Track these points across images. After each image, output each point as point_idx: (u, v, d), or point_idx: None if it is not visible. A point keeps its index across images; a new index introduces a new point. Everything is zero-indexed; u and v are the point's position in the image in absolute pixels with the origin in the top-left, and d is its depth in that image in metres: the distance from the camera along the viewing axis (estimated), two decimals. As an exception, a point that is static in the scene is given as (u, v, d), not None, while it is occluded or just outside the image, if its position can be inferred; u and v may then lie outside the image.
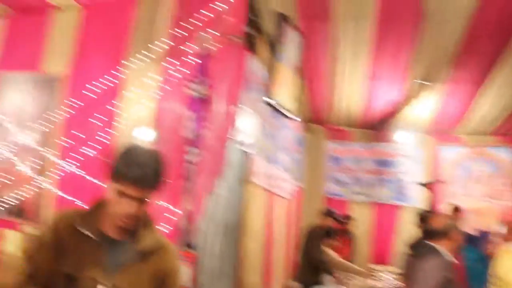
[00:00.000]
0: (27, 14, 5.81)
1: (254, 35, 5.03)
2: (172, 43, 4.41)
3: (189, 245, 4.00)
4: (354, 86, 6.67)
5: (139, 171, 1.66)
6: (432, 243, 3.03)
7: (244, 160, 4.90)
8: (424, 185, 6.02)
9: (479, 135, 8.08)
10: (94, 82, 4.87)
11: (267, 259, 6.02)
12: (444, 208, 7.17)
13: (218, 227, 4.44)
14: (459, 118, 7.44)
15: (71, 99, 5.03)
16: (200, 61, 3.82)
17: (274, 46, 4.55)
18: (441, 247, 2.97)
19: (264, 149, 5.45)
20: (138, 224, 1.80)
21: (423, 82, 6.31)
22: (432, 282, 2.77)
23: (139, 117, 4.43)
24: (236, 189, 4.81)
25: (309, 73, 6.40)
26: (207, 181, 4.26)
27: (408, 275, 3.00)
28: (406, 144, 8.37)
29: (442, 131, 8.11)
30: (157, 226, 1.96)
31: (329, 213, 6.35)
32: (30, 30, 5.82)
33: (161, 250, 1.85)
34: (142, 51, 4.63)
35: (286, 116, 5.06)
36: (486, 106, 6.83)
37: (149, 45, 4.66)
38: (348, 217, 7.17)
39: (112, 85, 4.76)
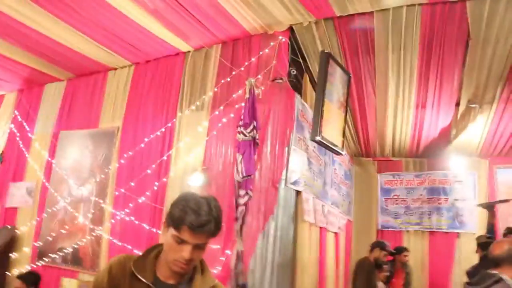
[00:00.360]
0: (86, 76, 6.29)
1: (299, 75, 5.12)
2: (219, 91, 4.55)
3: (241, 286, 4.01)
4: (402, 116, 6.59)
5: (198, 218, 1.70)
6: (495, 271, 2.85)
7: (294, 199, 4.92)
8: (487, 206, 5.79)
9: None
10: (145, 134, 5.12)
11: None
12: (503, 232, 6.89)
13: (270, 266, 4.43)
14: (512, 138, 7.20)
15: (126, 151, 5.29)
16: (249, 105, 3.90)
17: (319, 84, 4.59)
18: (505, 275, 2.79)
19: (313, 186, 5.45)
20: (194, 269, 1.83)
21: (472, 105, 6.18)
22: None
23: (190, 164, 4.56)
24: (288, 228, 4.81)
25: (356, 107, 6.40)
26: (259, 222, 4.30)
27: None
28: (460, 170, 8.14)
29: (496, 153, 7.85)
30: (209, 268, 1.98)
31: (377, 245, 6.26)
32: (87, 91, 6.29)
33: None
34: (193, 101, 4.83)
35: (334, 152, 5.05)
36: None
37: (199, 95, 4.86)
38: (402, 249, 6.98)
39: (163, 133, 4.95)
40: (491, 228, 4.63)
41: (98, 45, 5.55)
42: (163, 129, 5.17)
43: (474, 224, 7.83)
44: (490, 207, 4.78)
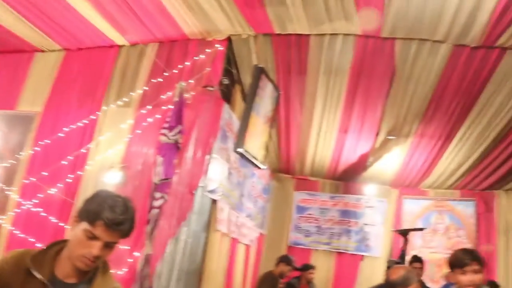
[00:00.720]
0: (9, 53, 5.91)
1: (231, 85, 5.16)
2: (148, 90, 4.48)
3: (146, 290, 3.93)
4: (325, 138, 6.81)
5: (115, 215, 1.66)
6: None
7: (210, 207, 4.92)
8: (403, 233, 6.03)
9: (442, 189, 8.33)
10: (66, 124, 4.90)
11: (225, 307, 5.95)
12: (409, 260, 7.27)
13: (177, 272, 4.39)
14: (423, 172, 7.64)
15: (43, 138, 5.03)
16: (176, 109, 3.86)
17: (249, 97, 4.66)
18: None
19: (230, 197, 5.49)
20: (95, 269, 1.76)
21: (390, 137, 6.51)
22: None
23: (109, 160, 4.43)
24: (199, 235, 4.79)
25: (282, 124, 6.53)
26: (171, 226, 4.25)
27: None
28: (372, 196, 8.54)
29: (406, 183, 8.33)
30: (114, 270, 1.91)
31: (283, 260, 6.30)
32: (8, 69, 5.91)
33: None
34: (120, 97, 4.71)
35: (255, 165, 5.12)
36: (448, 161, 7.05)
37: (128, 91, 4.75)
38: (308, 266, 7.17)
39: (84, 125, 4.77)
40: (403, 254, 4.96)
41: (29, 24, 5.25)
42: (85, 121, 4.98)
43: (379, 248, 8.25)
44: (405, 233, 5.09)
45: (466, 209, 8.23)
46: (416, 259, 5.79)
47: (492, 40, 4.53)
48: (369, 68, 5.28)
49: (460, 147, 6.57)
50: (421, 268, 5.51)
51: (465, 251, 2.73)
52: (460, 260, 2.54)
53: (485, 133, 6.04)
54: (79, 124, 4.89)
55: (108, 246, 1.70)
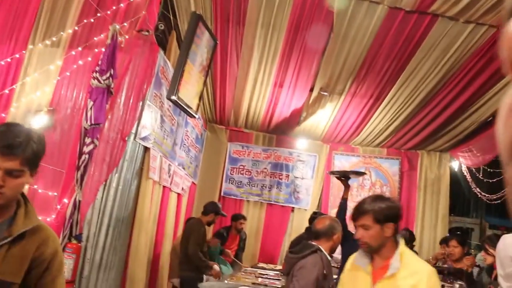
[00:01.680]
0: None
1: (167, 31, 5.03)
2: (79, 31, 4.27)
3: (75, 236, 3.89)
4: (260, 91, 6.85)
5: (7, 139, 1.59)
6: (314, 243, 3.17)
7: (142, 155, 4.87)
8: (341, 175, 5.62)
9: (370, 147, 8.73)
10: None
11: (156, 254, 6.02)
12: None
13: (108, 219, 4.36)
14: (354, 130, 7.95)
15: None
16: (108, 52, 3.72)
17: (185, 44, 4.56)
18: (322, 247, 3.12)
19: (163, 145, 5.45)
20: (17, 208, 1.70)
21: (324, 93, 6.66)
22: (311, 277, 2.91)
23: (35, 102, 4.23)
24: (131, 183, 4.76)
25: (218, 74, 6.49)
26: (101, 173, 4.19)
27: (289, 271, 3.13)
28: (303, 150, 8.78)
29: (337, 140, 8.63)
30: (43, 216, 1.86)
31: (213, 209, 6.20)
32: None
33: (38, 234, 1.74)
34: (48, 36, 4.44)
35: (188, 114, 5.09)
36: (378, 120, 7.37)
37: (57, 30, 4.49)
38: (239, 216, 7.33)
39: (8, 64, 4.49)
40: (344, 203, 4.45)
41: None
42: (8, 59, 4.67)
43: (308, 201, 8.58)
44: (344, 176, 4.76)
45: (392, 167, 8.70)
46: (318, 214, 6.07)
47: (425, 6, 4.69)
48: (307, 24, 5.31)
49: (389, 108, 6.87)
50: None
51: (356, 205, 2.49)
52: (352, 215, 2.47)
53: (412, 96, 6.35)
54: (1, 62, 4.59)
55: (10, 174, 1.61)
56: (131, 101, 4.17)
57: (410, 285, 2.02)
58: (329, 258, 3.10)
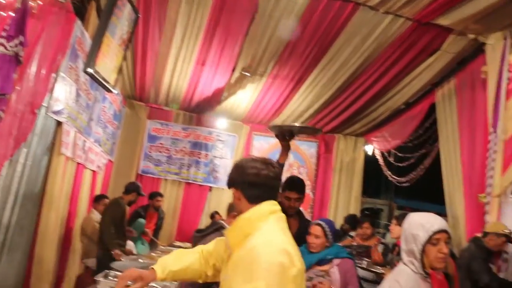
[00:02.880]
0: None
1: (86, 0, 4.75)
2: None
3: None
4: (182, 68, 6.71)
5: None
6: (221, 220, 3.20)
7: (54, 129, 4.61)
8: (281, 131, 5.25)
9: (291, 128, 8.87)
10: None
11: (67, 234, 5.77)
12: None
13: (13, 196, 4.10)
14: (274, 111, 8.04)
15: None
16: (18, 17, 3.43)
17: (104, 15, 4.33)
18: (227, 223, 3.11)
19: (77, 120, 5.19)
20: None
21: (246, 73, 6.65)
22: None
23: None
24: (41, 158, 4.49)
25: (139, 49, 6.25)
26: (7, 147, 3.90)
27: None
28: (223, 130, 8.78)
29: (257, 121, 8.70)
30: None
31: (135, 189, 6.27)
32: None
33: None
34: None
35: (106, 89, 4.87)
36: (298, 103, 7.50)
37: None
38: (156, 194, 7.24)
39: None
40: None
41: None
42: None
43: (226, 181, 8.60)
44: (286, 134, 3.70)
45: (309, 149, 8.96)
46: None
47: (348, -7, 4.80)
48: (231, 3, 5.24)
49: (309, 91, 7.01)
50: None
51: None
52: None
53: (332, 80, 6.52)
54: None
55: None
56: (42, 72, 3.89)
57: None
58: None
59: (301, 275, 1.74)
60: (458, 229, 5.28)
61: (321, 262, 3.26)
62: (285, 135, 3.70)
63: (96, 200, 6.52)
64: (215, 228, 3.10)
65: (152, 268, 2.13)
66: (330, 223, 3.41)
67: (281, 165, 3.56)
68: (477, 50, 5.39)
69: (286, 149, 3.73)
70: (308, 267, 3.08)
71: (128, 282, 2.02)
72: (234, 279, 1.75)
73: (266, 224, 1.84)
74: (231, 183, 1.99)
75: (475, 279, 4.21)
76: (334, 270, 3.20)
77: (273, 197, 1.96)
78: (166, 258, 2.18)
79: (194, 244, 3.17)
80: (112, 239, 5.69)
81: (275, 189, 1.98)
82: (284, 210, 2.02)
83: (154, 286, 2.74)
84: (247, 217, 1.88)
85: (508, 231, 4.41)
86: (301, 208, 3.73)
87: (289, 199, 3.48)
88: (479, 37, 5.11)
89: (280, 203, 2.01)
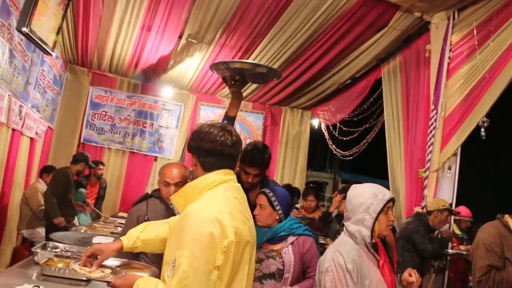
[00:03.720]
0: None
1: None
2: None
3: None
4: (126, 34, 6.43)
5: None
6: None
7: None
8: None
9: (236, 100, 8.82)
10: None
11: (3, 204, 5.52)
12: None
13: None
14: (221, 81, 7.86)
15: None
16: None
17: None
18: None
19: (12, 83, 4.90)
20: None
21: (193, 40, 6.47)
22: (130, 221, 2.91)
23: None
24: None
25: (81, 11, 5.94)
26: None
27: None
28: (169, 99, 8.61)
29: (204, 91, 8.56)
30: None
31: (84, 159, 6.26)
32: None
33: None
34: None
35: (44, 50, 4.61)
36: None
37: None
38: (97, 162, 7.05)
39: None
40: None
41: None
42: None
43: (172, 150, 8.52)
44: (240, 76, 3.18)
45: (256, 121, 8.96)
46: None
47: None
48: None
49: (257, 62, 6.90)
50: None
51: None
52: None
53: (280, 52, 6.47)
54: None
55: None
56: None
57: None
58: (165, 203, 2.94)
59: (238, 247, 1.69)
60: (398, 203, 5.45)
61: (273, 240, 2.80)
62: (234, 77, 3.19)
63: (46, 170, 6.38)
64: (143, 197, 3.05)
65: (119, 238, 2.15)
66: (278, 191, 2.87)
67: (231, 119, 3.20)
68: (422, 29, 5.50)
69: (236, 97, 3.25)
70: (259, 246, 2.75)
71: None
72: (169, 245, 1.74)
73: (210, 193, 1.80)
74: (189, 149, 1.93)
75: (419, 250, 4.38)
76: (287, 249, 2.74)
77: (230, 166, 1.90)
78: (133, 229, 2.22)
79: None
80: (54, 208, 5.61)
81: (231, 158, 1.91)
82: (239, 182, 1.97)
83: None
84: (195, 184, 1.84)
85: (449, 204, 4.62)
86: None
87: (247, 173, 2.97)
88: (425, 15, 5.19)
89: (236, 175, 1.96)
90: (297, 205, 6.39)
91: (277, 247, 2.77)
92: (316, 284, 2.27)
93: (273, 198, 2.79)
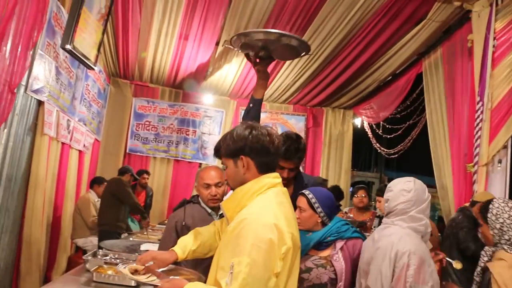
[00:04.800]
0: None
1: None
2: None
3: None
4: (165, 44, 6.57)
5: None
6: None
7: (35, 109, 4.51)
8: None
9: (277, 103, 8.84)
10: None
11: (56, 215, 5.73)
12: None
13: (-2, 179, 4.03)
14: (260, 85, 7.89)
15: None
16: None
17: (80, -11, 4.20)
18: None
19: (59, 99, 5.09)
20: None
21: (231, 47, 6.49)
22: (168, 226, 2.91)
23: None
24: (24, 139, 4.42)
25: (120, 24, 6.11)
26: (-12, 128, 3.83)
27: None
28: (210, 106, 8.71)
29: (244, 96, 8.60)
30: None
31: (129, 171, 6.57)
32: None
33: None
34: None
35: (86, 65, 4.76)
36: (284, 77, 7.40)
37: None
38: (142, 171, 7.22)
39: None
40: (254, 108, 2.94)
41: None
42: None
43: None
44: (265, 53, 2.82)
45: (298, 123, 8.92)
46: None
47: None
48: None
49: (295, 64, 6.90)
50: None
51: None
52: None
53: (318, 52, 6.41)
54: None
55: None
56: (19, 49, 3.78)
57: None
58: (204, 208, 2.89)
59: (293, 253, 1.66)
60: (447, 199, 5.30)
61: (320, 246, 2.56)
62: (258, 53, 2.82)
63: (96, 182, 6.58)
64: (181, 203, 3.07)
65: (172, 249, 2.17)
66: (318, 191, 2.63)
67: (257, 102, 2.88)
68: (463, 18, 5.32)
69: (262, 76, 2.87)
70: (304, 253, 2.53)
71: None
72: (224, 250, 1.69)
73: (262, 197, 1.75)
74: (238, 150, 1.81)
75: (462, 248, 4.21)
76: (337, 256, 2.49)
77: (275, 169, 1.87)
78: (184, 238, 2.24)
79: None
80: (143, 211, 6.20)
81: (278, 160, 1.89)
82: None
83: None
84: (246, 188, 1.78)
85: None
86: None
87: (281, 168, 2.66)
88: (465, 4, 5.03)
89: None
90: (346, 209, 6.20)
91: (325, 253, 2.53)
92: (385, 278, 2.16)
93: (313, 200, 2.56)
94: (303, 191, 2.64)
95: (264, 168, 1.81)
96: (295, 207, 2.53)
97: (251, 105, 2.87)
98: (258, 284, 1.54)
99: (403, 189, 2.31)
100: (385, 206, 2.35)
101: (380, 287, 2.14)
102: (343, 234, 2.54)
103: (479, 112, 4.71)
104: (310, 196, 2.58)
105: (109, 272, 2.73)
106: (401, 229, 2.25)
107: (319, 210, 2.55)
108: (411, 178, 2.36)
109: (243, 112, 2.81)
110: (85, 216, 6.10)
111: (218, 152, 1.91)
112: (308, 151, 8.94)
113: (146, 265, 2.07)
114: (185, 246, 2.19)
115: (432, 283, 2.05)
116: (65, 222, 6.06)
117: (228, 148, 1.84)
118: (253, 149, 1.78)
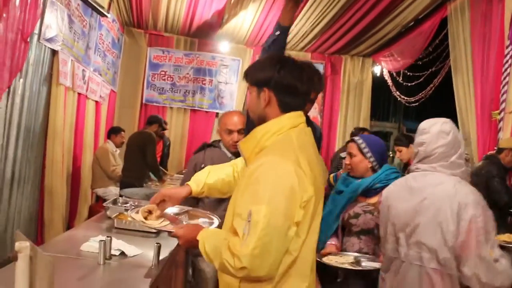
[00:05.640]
0: None
1: None
2: None
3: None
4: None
5: None
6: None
7: (50, 59, 4.46)
8: None
9: (294, 51, 8.62)
10: None
11: (76, 165, 5.79)
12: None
13: (16, 129, 4.04)
14: (278, 33, 7.69)
15: None
16: None
17: None
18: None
19: (73, 48, 5.02)
20: None
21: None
22: (188, 169, 2.93)
23: None
24: (40, 89, 4.40)
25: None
26: (3, 79, 3.79)
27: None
28: (227, 54, 8.56)
29: (260, 44, 8.39)
30: None
31: (157, 121, 6.49)
32: None
33: None
34: None
35: (99, 13, 4.66)
36: (301, 24, 7.18)
37: None
38: (164, 123, 7.20)
39: None
40: (281, 35, 2.52)
41: None
42: None
43: (233, 106, 8.52)
44: None
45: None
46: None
47: None
48: None
49: (313, 10, 6.66)
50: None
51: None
52: None
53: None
54: None
55: None
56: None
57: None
58: (224, 152, 2.91)
59: (315, 201, 1.56)
60: (470, 149, 5.18)
61: (369, 193, 2.60)
62: None
63: (113, 131, 6.53)
64: (201, 146, 3.05)
65: (187, 183, 2.06)
66: (369, 138, 2.73)
67: (284, 29, 2.48)
68: (493, -43, 5.01)
69: (292, 2, 2.42)
70: (352, 199, 2.60)
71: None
72: (241, 196, 1.57)
73: (283, 139, 1.60)
74: (263, 82, 1.64)
75: (494, 198, 4.09)
76: None
77: (303, 107, 1.70)
78: (199, 173, 2.10)
79: None
80: (160, 169, 6.07)
81: (305, 101, 1.72)
82: None
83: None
84: (265, 129, 1.63)
85: None
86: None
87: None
88: None
89: None
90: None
91: (373, 200, 2.58)
92: (448, 233, 1.93)
93: (362, 145, 2.62)
94: (353, 137, 2.73)
95: (287, 108, 1.64)
96: None
97: (277, 33, 2.48)
98: (278, 233, 1.46)
99: (442, 130, 2.06)
100: (419, 150, 2.11)
101: (443, 243, 1.93)
102: (392, 182, 2.42)
103: (508, 56, 4.51)
104: (360, 141, 2.65)
105: (129, 218, 2.75)
106: (448, 177, 2.04)
107: (369, 155, 2.62)
108: (446, 119, 2.12)
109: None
110: (104, 166, 6.14)
111: (247, 76, 1.73)
112: (326, 99, 8.82)
113: (160, 204, 1.99)
114: (199, 179, 2.05)
115: (494, 230, 1.95)
116: (84, 172, 6.13)
117: (254, 76, 1.70)
118: (278, 86, 1.62)
